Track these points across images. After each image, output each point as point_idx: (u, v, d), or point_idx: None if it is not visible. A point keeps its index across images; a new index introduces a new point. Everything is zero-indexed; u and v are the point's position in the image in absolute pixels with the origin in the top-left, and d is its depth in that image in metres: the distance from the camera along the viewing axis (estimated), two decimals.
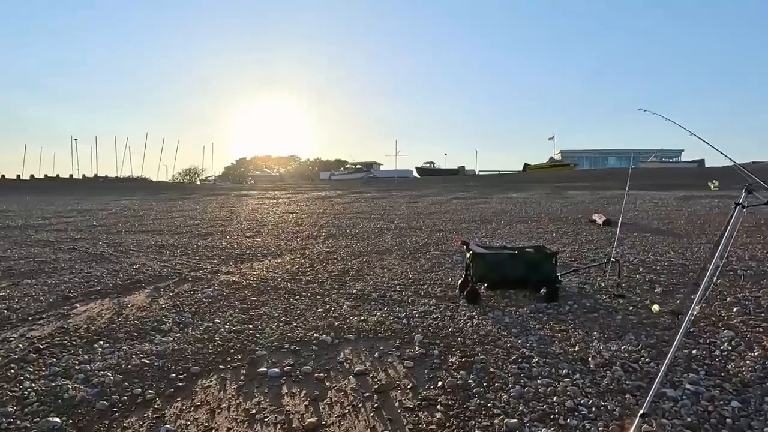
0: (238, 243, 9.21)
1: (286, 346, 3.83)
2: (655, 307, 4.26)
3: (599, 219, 11.21)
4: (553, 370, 3.28)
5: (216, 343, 3.88)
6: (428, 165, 60.40)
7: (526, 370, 3.30)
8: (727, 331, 3.88)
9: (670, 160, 52.69)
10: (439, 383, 3.13)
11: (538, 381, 3.12)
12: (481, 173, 59.53)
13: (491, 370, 3.30)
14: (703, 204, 15.85)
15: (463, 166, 60.57)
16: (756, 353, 3.47)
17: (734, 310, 4.45)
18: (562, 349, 3.64)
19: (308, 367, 3.43)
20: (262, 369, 3.40)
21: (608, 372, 3.22)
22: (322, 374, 3.33)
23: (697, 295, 4.24)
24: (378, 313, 4.58)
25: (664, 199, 17.91)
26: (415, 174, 58.22)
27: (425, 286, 5.58)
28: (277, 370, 3.37)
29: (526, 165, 50.57)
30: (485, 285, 5.01)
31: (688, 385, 3.00)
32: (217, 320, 4.44)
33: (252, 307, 4.86)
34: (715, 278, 4.07)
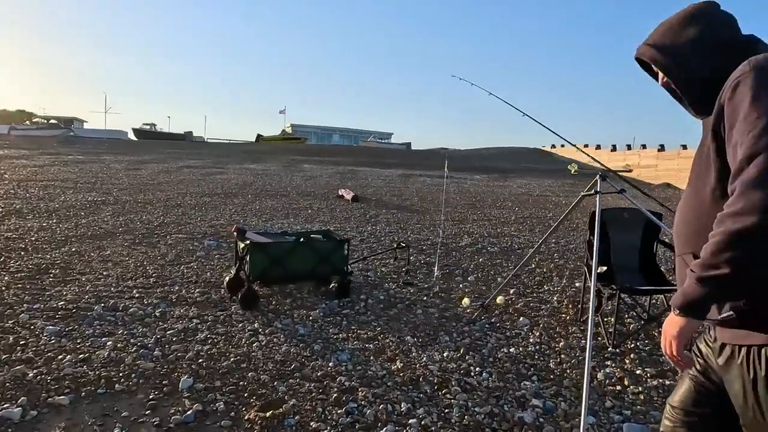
0: None
1: None
2: (466, 301, 3.92)
3: (347, 195, 11.13)
4: (390, 406, 2.46)
5: None
6: (149, 127, 53.14)
7: (356, 413, 2.39)
8: (523, 319, 3.77)
9: (383, 141, 59.40)
10: None
11: None
12: (210, 141, 55.74)
13: (312, 426, 2.27)
14: (420, 182, 17.80)
15: (191, 132, 55.41)
16: (560, 344, 3.37)
17: (511, 291, 4.50)
18: (383, 368, 2.87)
19: None
20: None
21: (451, 398, 2.58)
22: None
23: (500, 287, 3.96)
24: (109, 343, 2.98)
25: (390, 176, 19.51)
26: (132, 136, 50.47)
27: (176, 288, 4.10)
28: None
29: (259, 136, 49.37)
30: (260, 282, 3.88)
31: (535, 401, 2.59)
32: None
33: None
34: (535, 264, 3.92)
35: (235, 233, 3.96)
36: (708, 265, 1.03)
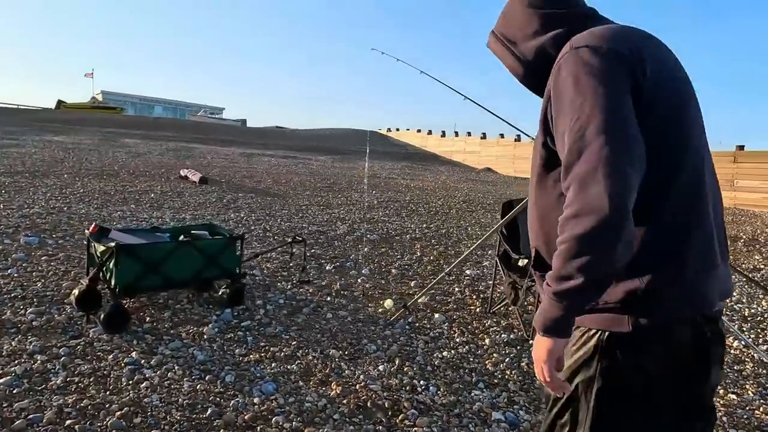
0: None
1: None
2: (389, 302, 3.53)
3: (193, 176, 9.84)
4: None
5: None
6: None
7: None
8: (438, 315, 3.58)
9: (214, 116, 55.21)
10: None
11: None
12: None
13: None
14: (266, 162, 16.85)
15: None
16: (486, 341, 3.24)
17: (412, 284, 4.29)
18: (321, 396, 2.38)
19: None
20: None
21: (411, 425, 2.22)
22: None
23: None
24: None
25: (230, 155, 18.11)
26: None
27: (7, 303, 2.96)
28: None
29: (60, 102, 41.66)
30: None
31: (496, 415, 2.37)
32: None
33: None
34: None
35: (89, 233, 2.98)
36: (560, 278, 0.93)
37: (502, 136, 25.12)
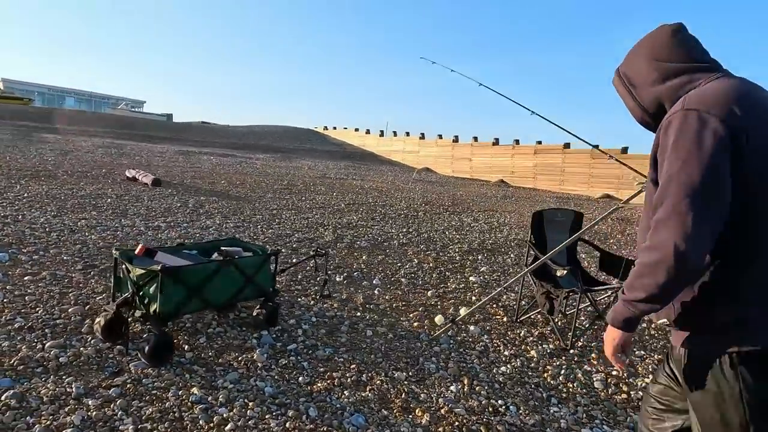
0: None
1: None
2: (439, 318, 3.42)
3: (144, 177, 9.14)
4: None
5: None
6: None
7: None
8: (473, 327, 3.55)
9: (136, 110, 51.65)
10: None
11: None
12: None
13: None
14: (207, 160, 16.05)
15: None
16: (533, 353, 3.26)
17: (428, 293, 4.24)
18: (413, 425, 2.27)
19: None
20: None
21: None
22: None
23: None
24: None
25: (166, 153, 17.07)
26: None
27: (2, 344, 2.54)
28: None
29: None
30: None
31: None
32: None
33: None
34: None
35: (136, 254, 2.64)
36: (630, 288, 1.23)
37: (440, 136, 25.64)
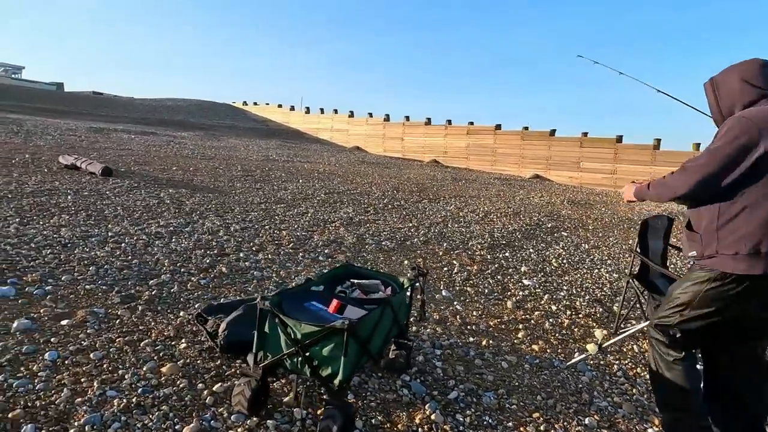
0: None
1: None
2: (592, 347, 3.09)
3: (90, 166, 7.80)
4: None
5: None
6: None
7: None
8: (590, 346, 3.33)
9: (16, 76, 44.77)
10: None
11: None
12: None
13: None
14: (126, 139, 14.33)
15: None
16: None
17: (509, 303, 3.96)
18: None
19: None
20: None
21: None
22: None
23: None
24: None
25: (77, 130, 14.99)
26: None
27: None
28: None
29: None
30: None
31: None
32: None
33: None
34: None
35: (331, 310, 2.02)
36: (653, 186, 2.08)
37: (370, 115, 25.15)
